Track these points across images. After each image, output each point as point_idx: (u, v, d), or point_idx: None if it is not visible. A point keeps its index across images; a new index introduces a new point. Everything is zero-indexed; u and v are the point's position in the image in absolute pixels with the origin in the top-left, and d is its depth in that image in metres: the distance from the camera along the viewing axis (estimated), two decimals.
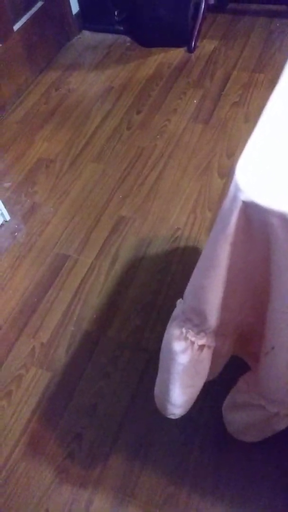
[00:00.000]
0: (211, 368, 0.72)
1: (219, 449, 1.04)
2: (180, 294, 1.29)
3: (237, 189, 0.46)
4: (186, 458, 1.04)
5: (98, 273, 1.40)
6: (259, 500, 0.98)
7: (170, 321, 0.65)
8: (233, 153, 1.68)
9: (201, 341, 0.61)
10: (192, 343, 0.61)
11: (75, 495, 1.02)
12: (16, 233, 1.54)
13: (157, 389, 0.76)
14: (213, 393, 1.08)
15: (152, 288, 1.35)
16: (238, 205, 0.46)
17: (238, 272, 0.53)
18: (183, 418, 1.07)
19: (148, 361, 1.20)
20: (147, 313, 1.29)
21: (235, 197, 0.46)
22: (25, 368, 1.22)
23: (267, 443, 1.00)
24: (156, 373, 1.17)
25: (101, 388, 1.17)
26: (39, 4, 2.07)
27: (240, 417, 0.82)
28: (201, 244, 1.42)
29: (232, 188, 0.47)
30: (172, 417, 0.73)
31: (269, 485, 1.00)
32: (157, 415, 1.11)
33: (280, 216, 0.44)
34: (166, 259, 1.41)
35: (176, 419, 1.04)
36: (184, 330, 0.61)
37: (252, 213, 0.46)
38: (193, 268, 1.41)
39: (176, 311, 0.64)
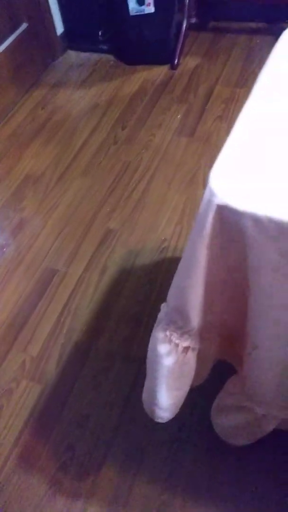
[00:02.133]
0: (198, 372, 0.74)
1: (212, 454, 1.05)
2: None
3: (211, 193, 0.49)
4: (179, 465, 1.05)
5: (87, 285, 1.42)
6: (253, 504, 0.99)
7: (155, 325, 0.67)
8: None
9: (185, 343, 0.63)
10: (176, 345, 0.63)
11: (68, 506, 1.02)
12: (4, 249, 1.55)
13: (144, 394, 0.77)
14: (204, 398, 1.09)
15: (141, 298, 1.36)
16: (213, 208, 0.49)
17: (217, 272, 0.55)
18: (175, 425, 1.08)
19: (139, 370, 1.21)
20: (136, 323, 1.31)
21: (209, 201, 0.49)
22: (16, 382, 1.23)
23: (259, 446, 1.01)
24: None
25: (93, 399, 1.18)
26: (24, 25, 2.12)
27: (228, 420, 0.84)
28: None
29: (206, 193, 0.49)
30: (160, 420, 0.75)
31: (262, 488, 1.00)
32: (148, 424, 1.12)
33: (253, 218, 0.47)
34: (153, 270, 1.43)
35: (168, 427, 1.05)
36: (168, 333, 0.63)
37: (226, 216, 0.49)
38: None
39: (160, 315, 0.66)
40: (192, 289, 0.57)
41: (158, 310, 1.32)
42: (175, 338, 0.62)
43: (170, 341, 0.63)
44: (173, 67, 2.21)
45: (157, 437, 1.09)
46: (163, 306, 0.66)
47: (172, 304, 0.62)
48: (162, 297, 1.35)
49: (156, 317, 1.30)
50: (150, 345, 0.68)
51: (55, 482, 1.05)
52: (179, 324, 0.62)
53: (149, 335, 1.27)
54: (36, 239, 1.57)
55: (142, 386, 1.17)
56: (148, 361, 0.70)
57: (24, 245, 1.56)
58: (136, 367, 1.22)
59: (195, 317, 0.60)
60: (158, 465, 1.06)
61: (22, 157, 1.87)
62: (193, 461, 1.05)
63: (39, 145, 1.91)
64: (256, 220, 0.47)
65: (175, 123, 1.93)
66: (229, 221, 0.49)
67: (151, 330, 1.28)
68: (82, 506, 1.02)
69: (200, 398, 1.09)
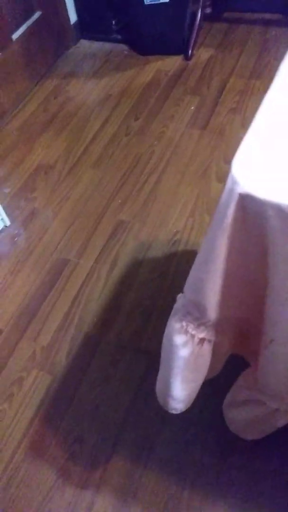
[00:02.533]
0: (212, 365, 0.73)
1: (221, 448, 1.05)
2: None
3: (234, 182, 0.47)
4: (188, 459, 1.04)
5: (98, 277, 1.41)
6: (262, 500, 0.98)
7: (171, 315, 0.66)
8: (230, 158, 1.68)
9: (201, 335, 0.62)
10: (193, 336, 0.62)
11: (77, 497, 1.02)
12: (16, 238, 1.55)
13: (158, 384, 0.76)
14: (215, 392, 1.08)
15: (152, 291, 1.35)
16: (235, 197, 0.47)
17: (236, 264, 0.54)
18: (185, 418, 1.08)
19: (149, 363, 1.21)
20: (147, 316, 1.30)
21: (231, 190, 0.48)
22: (26, 371, 1.23)
23: (269, 442, 1.00)
24: (157, 375, 1.18)
25: (102, 390, 1.17)
26: (38, 13, 2.11)
27: (241, 414, 0.83)
28: (199, 247, 1.43)
29: (228, 181, 0.48)
30: (174, 411, 0.74)
31: (271, 484, 1.00)
32: (158, 417, 1.11)
33: (276, 207, 0.45)
34: (165, 263, 1.42)
35: (178, 420, 1.05)
36: (184, 323, 0.62)
37: (249, 206, 0.47)
38: None
39: (177, 305, 0.65)
40: (210, 281, 0.56)
41: (169, 303, 1.31)
42: (191, 329, 0.62)
43: (186, 331, 0.62)
44: (187, 58, 2.19)
45: (167, 430, 1.09)
46: (180, 297, 0.65)
47: (189, 296, 0.61)
48: (174, 290, 1.35)
49: (168, 310, 1.29)
50: (165, 336, 0.67)
51: (64, 473, 1.05)
52: (196, 315, 0.61)
53: (160, 328, 1.27)
54: (47, 229, 1.56)
55: (153, 379, 1.17)
56: (163, 351, 0.70)
57: (35, 235, 1.55)
58: (146, 359, 1.21)
59: (212, 309, 0.59)
60: (167, 458, 1.05)
61: (34, 147, 1.86)
62: (202, 455, 1.04)
63: (51, 135, 1.90)
64: (280, 210, 0.45)
65: (188, 115, 1.90)
66: (251, 211, 0.48)
67: (162, 323, 1.27)
68: (90, 497, 1.02)
69: (211, 391, 1.09)
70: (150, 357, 1.21)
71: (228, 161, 1.70)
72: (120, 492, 1.02)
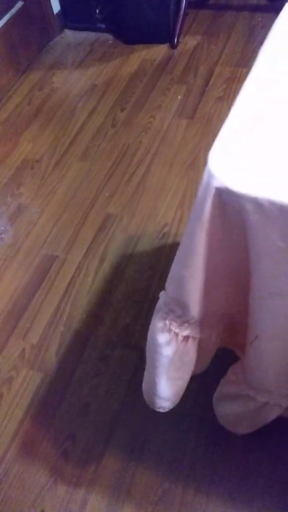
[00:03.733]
0: (199, 361, 0.72)
1: (214, 443, 1.04)
2: None
3: (210, 175, 0.45)
4: (181, 454, 1.04)
5: (86, 272, 1.39)
6: (255, 494, 0.98)
7: (154, 314, 0.65)
8: None
9: (185, 332, 0.61)
10: (176, 334, 0.60)
11: (70, 495, 1.01)
12: (2, 235, 1.53)
13: (144, 383, 0.75)
14: (206, 387, 1.07)
15: (142, 285, 1.34)
16: (212, 192, 0.46)
17: (217, 260, 0.53)
18: (177, 413, 1.06)
19: (140, 358, 1.20)
20: (137, 310, 1.29)
21: (208, 184, 0.46)
22: (15, 370, 1.21)
23: (261, 435, 0.99)
24: None
25: (93, 387, 1.16)
26: (19, 4, 2.06)
27: (230, 408, 0.82)
28: None
29: (205, 175, 0.46)
30: (161, 410, 0.73)
31: (265, 478, 0.99)
32: (150, 412, 1.09)
33: (254, 201, 0.44)
34: (154, 256, 1.40)
35: (170, 415, 1.03)
36: (167, 322, 0.60)
37: (226, 199, 0.46)
38: None
39: (159, 303, 0.64)
40: (191, 277, 0.54)
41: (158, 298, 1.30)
42: (174, 327, 0.60)
43: (169, 330, 0.60)
44: (173, 46, 2.15)
45: (159, 426, 1.08)
46: (162, 295, 0.64)
47: (171, 293, 0.59)
48: (163, 284, 1.33)
49: None
50: (149, 334, 0.65)
51: (56, 471, 1.05)
52: (178, 313, 0.59)
53: (150, 323, 1.26)
54: (34, 225, 1.54)
55: (143, 374, 1.16)
56: (147, 350, 0.68)
57: (22, 231, 1.53)
58: (137, 355, 1.20)
59: (195, 306, 0.58)
60: (160, 453, 1.05)
61: (19, 141, 1.83)
62: (195, 450, 1.04)
63: (36, 128, 1.87)
64: (257, 204, 0.44)
65: (175, 105, 1.88)
66: (229, 205, 0.46)
67: (151, 318, 1.26)
68: (83, 495, 1.01)
69: (203, 385, 1.08)
70: (140, 353, 1.20)
71: None
72: (113, 488, 1.01)
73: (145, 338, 1.22)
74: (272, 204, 0.43)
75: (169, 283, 0.59)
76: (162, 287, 1.32)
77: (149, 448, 1.06)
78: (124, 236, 1.46)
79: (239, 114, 0.53)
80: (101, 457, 1.06)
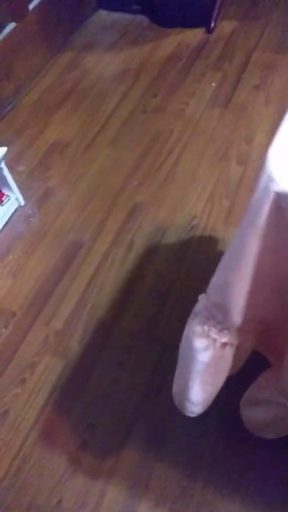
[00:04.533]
0: (232, 365, 0.69)
1: (234, 445, 1.02)
2: (196, 284, 1.26)
3: (269, 179, 0.42)
4: (201, 452, 1.02)
5: (113, 261, 1.37)
6: (274, 499, 0.96)
7: (191, 317, 0.62)
8: (252, 139, 1.62)
9: (224, 339, 0.58)
10: (214, 340, 0.58)
11: (88, 485, 1.01)
12: (30, 219, 1.52)
13: (175, 387, 0.73)
14: (231, 386, 1.05)
15: (168, 277, 1.32)
16: (270, 196, 0.42)
17: (266, 267, 0.50)
18: None
19: (163, 352, 1.18)
20: (162, 302, 1.27)
21: (266, 188, 0.43)
22: (38, 356, 1.21)
23: (284, 440, 0.97)
24: (171, 365, 1.15)
25: (115, 378, 1.15)
26: None
27: (258, 414, 0.80)
28: (217, 233, 1.38)
29: (263, 178, 0.43)
30: (191, 415, 0.71)
31: (285, 484, 0.97)
32: (172, 407, 1.08)
33: None
34: (182, 248, 1.37)
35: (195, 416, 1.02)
36: (206, 327, 0.58)
37: (286, 205, 0.42)
38: (210, 258, 1.36)
39: (198, 307, 0.61)
40: (238, 284, 0.51)
41: (186, 290, 1.28)
42: (213, 333, 0.58)
43: (208, 335, 0.58)
44: (209, 31, 2.08)
45: (180, 421, 1.07)
46: (202, 298, 0.61)
47: (213, 298, 0.57)
48: (190, 278, 1.31)
49: (184, 298, 1.26)
50: (184, 338, 0.63)
51: (75, 460, 1.05)
52: (219, 319, 0.57)
53: (175, 316, 1.24)
54: (62, 210, 1.52)
55: (167, 367, 1.14)
56: (181, 354, 0.66)
57: (50, 216, 1.51)
58: (160, 348, 1.18)
59: (238, 313, 0.55)
60: (180, 449, 1.03)
61: (49, 123, 1.80)
62: (215, 449, 1.02)
63: (67, 111, 1.84)
64: None
65: (209, 92, 1.82)
66: (287, 210, 0.43)
67: (177, 311, 1.24)
68: (101, 486, 1.01)
69: (228, 384, 1.06)
70: (164, 346, 1.19)
71: (249, 142, 1.62)
72: (131, 482, 1.01)
73: (170, 331, 1.21)
74: None
75: (213, 288, 0.57)
76: (188, 281, 1.30)
77: (169, 444, 1.05)
78: (152, 227, 1.44)
79: None
80: (121, 449, 1.05)
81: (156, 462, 1.03)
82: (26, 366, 1.20)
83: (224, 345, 0.59)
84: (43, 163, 1.67)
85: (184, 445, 1.04)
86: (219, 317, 0.57)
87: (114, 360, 1.18)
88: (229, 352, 0.60)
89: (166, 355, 1.17)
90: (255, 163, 1.53)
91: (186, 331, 0.62)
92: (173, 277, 1.31)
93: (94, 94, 1.89)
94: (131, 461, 1.03)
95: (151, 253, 1.38)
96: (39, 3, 1.95)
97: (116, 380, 1.15)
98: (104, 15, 2.27)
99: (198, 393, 0.65)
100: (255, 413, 0.81)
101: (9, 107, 1.87)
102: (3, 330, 1.27)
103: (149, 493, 0.99)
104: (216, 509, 0.96)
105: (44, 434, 1.09)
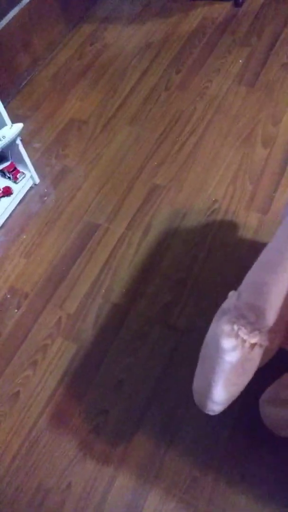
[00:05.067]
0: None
1: (249, 437, 1.00)
2: (214, 271, 1.21)
3: None
4: (214, 444, 1.00)
5: (129, 244, 1.34)
6: (285, 497, 0.94)
7: (219, 314, 0.58)
8: (279, 120, 1.55)
9: (254, 340, 0.54)
10: (244, 341, 0.54)
11: (98, 471, 1.00)
12: (45, 198, 1.48)
13: (197, 383, 0.70)
14: (252, 381, 1.02)
15: (186, 263, 1.28)
16: None
17: None
18: None
19: (178, 340, 1.15)
20: (179, 289, 1.23)
21: None
22: (51, 338, 1.19)
23: None
24: (186, 353, 1.13)
25: (129, 364, 1.13)
26: None
27: (280, 412, 0.77)
28: (239, 219, 1.33)
29: None
30: (211, 413, 0.68)
31: None
32: (185, 397, 1.07)
33: None
34: (201, 233, 1.33)
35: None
36: (236, 326, 0.54)
37: None
38: (231, 244, 1.31)
39: (228, 305, 0.57)
40: (275, 286, 0.47)
41: (204, 277, 1.23)
42: (243, 333, 0.54)
43: (237, 335, 0.54)
44: (237, 4, 1.97)
45: (193, 411, 1.05)
46: (232, 295, 0.57)
47: (246, 298, 0.53)
48: (209, 264, 1.26)
49: (201, 284, 1.22)
50: (210, 335, 0.59)
51: (86, 445, 1.03)
52: (251, 319, 0.53)
53: (192, 303, 1.20)
54: (78, 190, 1.48)
55: (181, 356, 1.12)
56: (206, 351, 0.62)
57: (66, 195, 1.48)
58: (176, 336, 1.16)
59: (272, 315, 0.51)
60: (193, 440, 1.01)
61: (67, 98, 1.75)
62: (229, 442, 1.00)
63: (86, 86, 1.78)
64: None
65: (235, 69, 1.74)
66: None
67: (194, 299, 1.21)
68: (112, 472, 1.00)
69: None
70: (179, 334, 1.16)
71: (276, 123, 1.55)
72: (142, 469, 1.00)
73: (185, 319, 1.18)
74: None
75: (246, 288, 0.53)
76: (207, 267, 1.26)
77: (182, 434, 1.03)
78: (171, 210, 1.39)
79: None
80: (132, 436, 1.04)
81: (167, 450, 1.01)
82: (38, 348, 1.18)
83: (253, 345, 0.55)
84: (59, 140, 1.62)
85: (197, 435, 1.02)
86: (251, 318, 0.53)
87: (128, 346, 1.16)
88: (257, 353, 0.57)
89: (182, 343, 1.15)
90: (281, 146, 1.46)
91: (213, 329, 0.59)
92: (191, 263, 1.27)
93: (114, 69, 1.83)
94: (143, 449, 1.02)
95: (168, 237, 1.33)
96: None
97: (129, 366, 1.13)
98: None
99: (221, 393, 0.62)
100: (276, 411, 0.78)
101: (26, 81, 1.82)
102: (16, 311, 1.25)
103: (159, 482, 0.97)
104: (227, 502, 0.94)
105: (55, 417, 1.08)
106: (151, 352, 1.14)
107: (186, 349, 1.13)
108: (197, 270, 1.26)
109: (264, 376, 0.88)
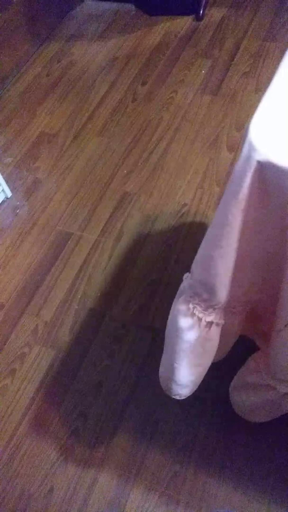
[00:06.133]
0: (219, 348, 0.69)
1: (225, 428, 1.02)
2: (187, 270, 1.25)
3: (251, 148, 0.41)
4: (192, 437, 1.02)
5: (102, 250, 1.36)
6: (266, 481, 0.96)
7: (176, 296, 0.61)
8: (242, 126, 1.61)
9: (209, 318, 0.57)
10: (200, 319, 0.57)
11: (80, 473, 1.01)
12: (18, 210, 1.50)
13: (162, 368, 0.72)
14: (220, 372, 1.05)
15: (158, 265, 1.31)
16: (252, 166, 0.41)
17: (251, 241, 0.49)
18: (190, 397, 1.05)
19: (154, 339, 1.17)
20: (152, 290, 1.26)
21: (248, 158, 0.42)
22: (28, 346, 1.20)
23: (274, 423, 0.97)
24: (162, 353, 1.15)
25: (106, 366, 1.15)
26: None
27: (248, 398, 0.79)
28: (208, 220, 1.37)
29: (245, 148, 0.42)
30: (178, 397, 0.70)
31: (275, 465, 0.97)
32: (162, 394, 1.08)
33: None
34: (172, 236, 1.36)
35: (182, 399, 1.01)
36: (191, 305, 0.57)
37: (268, 175, 0.42)
38: (200, 244, 1.35)
39: (183, 286, 0.60)
40: (222, 259, 0.50)
41: (176, 277, 1.26)
42: (198, 311, 0.57)
43: (193, 314, 0.57)
44: (198, 18, 2.06)
45: (171, 409, 1.07)
46: (186, 277, 0.60)
47: (197, 275, 0.56)
48: (180, 265, 1.30)
49: (174, 285, 1.24)
50: (170, 318, 0.62)
51: (66, 449, 1.04)
52: (204, 297, 0.56)
53: (166, 303, 1.23)
54: (50, 200, 1.51)
55: (157, 355, 1.13)
56: (167, 334, 0.65)
57: (38, 206, 1.50)
58: (151, 336, 1.18)
59: (223, 291, 0.54)
60: (172, 436, 1.03)
61: (36, 114, 1.78)
62: (207, 434, 1.02)
63: (54, 101, 1.82)
64: None
65: (198, 80, 1.80)
66: (270, 181, 0.42)
67: (167, 298, 1.23)
68: (93, 474, 1.00)
69: (215, 371, 1.05)
70: (155, 334, 1.18)
71: (239, 129, 1.61)
72: (123, 468, 1.00)
73: (160, 320, 1.20)
74: None
75: (196, 265, 0.56)
76: (179, 268, 1.29)
77: (161, 430, 1.04)
78: (142, 215, 1.43)
79: (281, 83, 0.48)
80: (112, 437, 1.05)
81: (148, 448, 1.02)
82: (16, 357, 1.19)
83: (209, 324, 0.58)
84: (30, 153, 1.65)
85: (176, 432, 1.03)
86: (204, 295, 0.56)
87: (105, 349, 1.17)
88: (215, 332, 0.60)
89: (157, 343, 1.17)
90: None
91: (171, 311, 0.61)
92: (163, 265, 1.30)
93: (81, 84, 1.87)
94: (123, 448, 1.03)
95: (141, 241, 1.37)
96: None
97: (107, 369, 1.14)
98: (91, 4, 2.24)
99: (184, 374, 0.64)
100: (245, 397, 0.80)
101: None
102: None
103: (141, 479, 0.98)
104: (209, 494, 0.96)
105: (35, 424, 1.08)
106: (127, 353, 1.16)
107: (161, 348, 1.15)
108: (169, 271, 1.29)
109: (236, 366, 0.91)
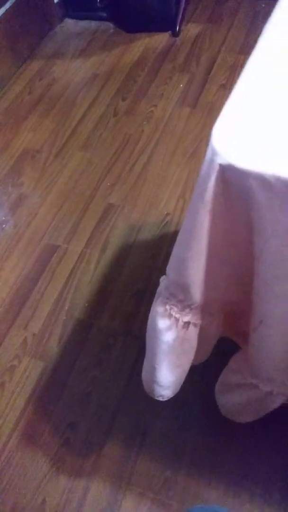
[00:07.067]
0: (200, 349, 0.70)
1: (215, 432, 1.03)
2: None
3: (214, 152, 0.44)
4: (182, 443, 1.03)
5: (88, 262, 1.38)
6: (258, 482, 0.97)
7: (154, 299, 0.63)
8: None
9: (186, 318, 0.59)
10: (177, 320, 0.59)
11: (71, 483, 1.01)
12: (3, 225, 1.51)
13: (144, 371, 0.74)
14: (207, 377, 1.07)
15: (143, 274, 1.33)
16: (215, 169, 0.44)
17: (220, 241, 0.51)
18: (178, 403, 1.06)
19: (141, 348, 1.19)
20: (139, 299, 1.28)
21: (211, 161, 0.44)
22: (17, 359, 1.21)
23: (263, 423, 0.99)
24: None
25: (95, 376, 1.16)
26: None
27: (233, 398, 0.81)
28: None
29: (208, 152, 0.45)
30: (161, 399, 0.72)
31: (266, 466, 0.99)
32: (151, 402, 1.09)
33: (259, 178, 0.42)
34: (156, 245, 1.39)
35: (172, 405, 1.03)
36: (168, 306, 0.59)
37: (230, 177, 0.44)
38: None
39: (160, 288, 0.62)
40: (193, 260, 0.53)
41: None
42: (175, 312, 0.59)
43: (170, 315, 0.59)
44: (175, 34, 2.12)
45: (161, 415, 1.08)
46: (163, 279, 0.62)
47: (172, 277, 0.58)
48: (165, 273, 1.32)
49: None
50: (149, 320, 0.64)
51: (58, 460, 1.04)
52: (180, 297, 0.58)
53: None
54: (35, 215, 1.53)
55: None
56: (147, 336, 0.67)
57: (23, 221, 1.52)
58: (138, 344, 1.19)
59: (197, 290, 0.56)
60: (162, 442, 1.04)
61: (19, 131, 1.81)
62: (196, 439, 1.03)
63: (37, 118, 1.85)
64: (263, 181, 0.42)
65: (177, 93, 1.85)
66: (233, 182, 0.45)
67: None
68: (85, 483, 1.01)
69: (203, 375, 1.07)
70: (142, 342, 1.18)
71: None
72: (115, 477, 1.01)
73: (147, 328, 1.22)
74: (279, 180, 0.41)
75: (170, 267, 0.58)
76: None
77: (151, 437, 1.05)
78: (126, 226, 1.45)
79: (242, 91, 0.51)
80: (103, 446, 1.05)
81: (138, 456, 1.03)
82: (5, 370, 1.19)
83: (187, 324, 0.60)
84: (14, 169, 1.67)
85: (166, 437, 1.05)
86: (179, 295, 0.58)
87: (93, 359, 1.19)
88: (193, 332, 0.62)
89: (144, 351, 1.18)
90: None
91: (150, 313, 0.63)
92: (149, 274, 1.33)
93: (63, 101, 1.91)
94: (114, 457, 1.03)
95: (126, 251, 1.39)
96: (4, 13, 1.96)
97: (96, 378, 1.15)
98: (70, 23, 2.30)
99: (165, 375, 0.66)
100: (229, 398, 0.82)
101: None
102: None
103: (132, 487, 0.99)
104: (200, 497, 0.96)
105: (26, 436, 1.08)
106: (116, 362, 1.17)
107: None
108: (154, 279, 1.31)
109: (221, 369, 0.93)
